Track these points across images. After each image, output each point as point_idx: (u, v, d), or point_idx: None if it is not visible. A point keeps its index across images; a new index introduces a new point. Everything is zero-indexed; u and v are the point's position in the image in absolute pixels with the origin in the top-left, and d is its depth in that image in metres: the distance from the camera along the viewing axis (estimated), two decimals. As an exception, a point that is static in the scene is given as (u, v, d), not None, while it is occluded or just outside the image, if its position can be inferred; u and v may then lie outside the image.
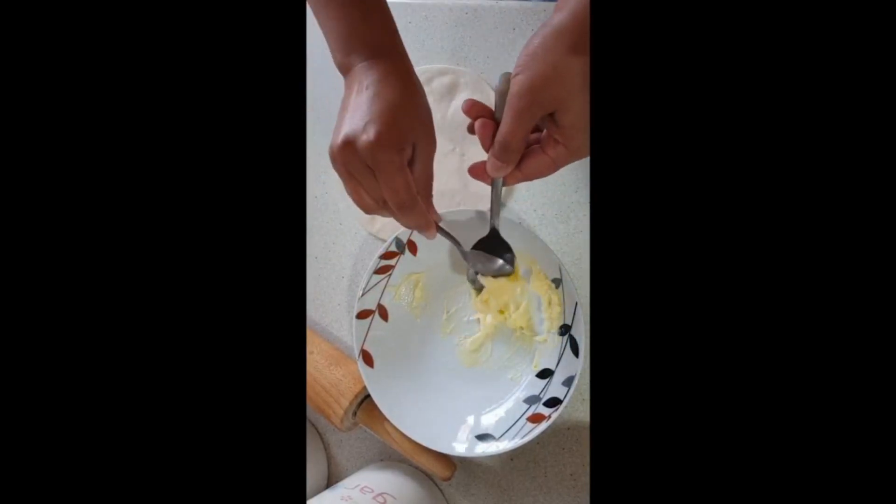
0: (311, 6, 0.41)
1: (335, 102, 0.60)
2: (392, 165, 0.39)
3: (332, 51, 0.40)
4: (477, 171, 0.45)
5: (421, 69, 0.62)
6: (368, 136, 0.37)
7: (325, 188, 0.65)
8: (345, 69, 0.41)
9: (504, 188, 0.52)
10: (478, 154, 0.60)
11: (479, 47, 0.61)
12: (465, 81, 0.61)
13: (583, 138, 0.41)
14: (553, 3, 0.59)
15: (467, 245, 0.52)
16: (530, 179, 0.44)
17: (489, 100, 0.60)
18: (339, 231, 0.64)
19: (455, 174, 0.61)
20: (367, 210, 0.42)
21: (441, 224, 0.47)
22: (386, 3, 0.41)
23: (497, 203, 0.48)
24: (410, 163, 0.41)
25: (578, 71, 0.38)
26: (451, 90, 0.61)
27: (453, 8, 0.62)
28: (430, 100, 0.60)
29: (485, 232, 0.53)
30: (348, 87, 0.40)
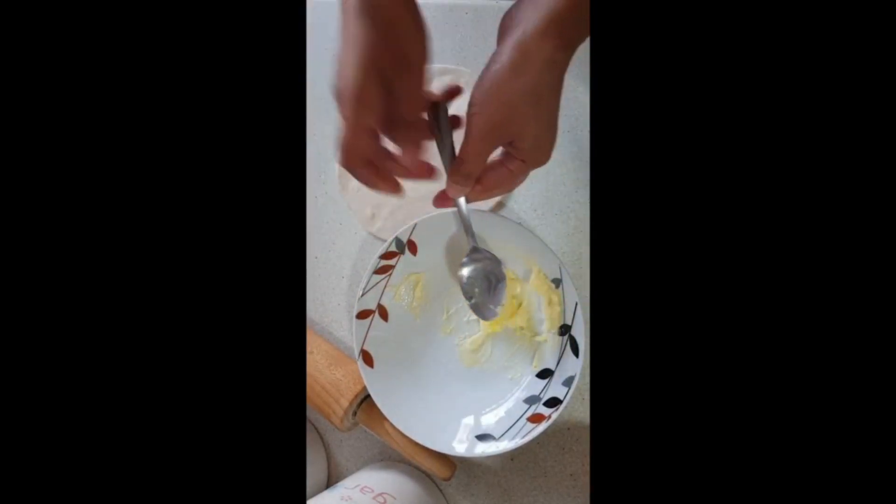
0: None
1: (335, 102, 0.60)
2: (351, 128, 0.39)
3: None
4: (440, 199, 0.47)
5: (421, 69, 0.62)
6: (343, 107, 0.38)
7: (325, 188, 0.65)
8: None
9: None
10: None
11: (479, 47, 0.61)
12: (466, 81, 0.61)
13: (539, 153, 0.42)
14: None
15: (458, 256, 0.52)
16: (492, 195, 0.45)
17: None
18: (339, 231, 0.64)
19: (455, 174, 0.61)
20: (371, 185, 0.42)
21: (462, 213, 0.47)
22: None
23: (468, 223, 0.49)
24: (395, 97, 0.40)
25: (528, 97, 0.38)
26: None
27: (453, 8, 0.62)
28: (430, 100, 0.61)
29: (483, 233, 0.53)
30: (341, 20, 0.39)
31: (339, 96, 0.38)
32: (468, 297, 0.52)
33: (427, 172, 0.44)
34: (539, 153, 0.42)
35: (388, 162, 0.42)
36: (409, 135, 0.43)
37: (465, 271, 0.52)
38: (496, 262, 0.51)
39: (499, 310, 0.52)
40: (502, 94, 0.39)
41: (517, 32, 0.38)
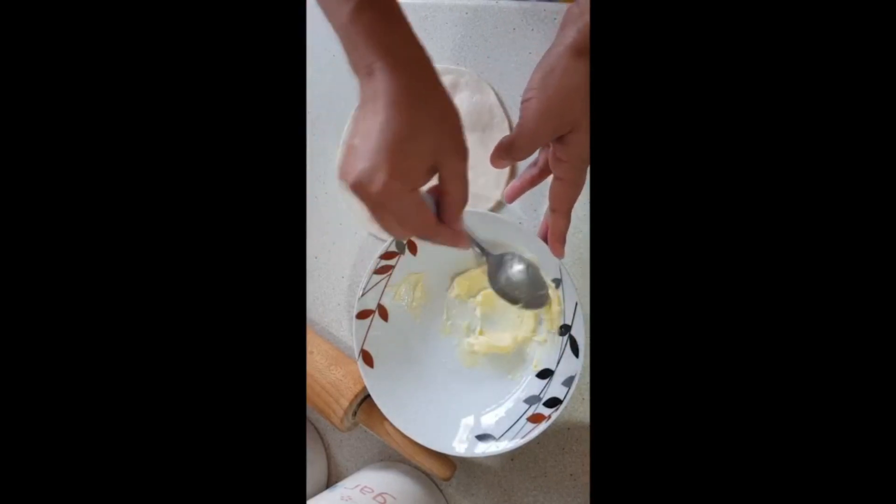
0: (326, 11, 0.36)
1: (335, 102, 0.60)
2: (404, 208, 0.35)
3: (348, 52, 0.36)
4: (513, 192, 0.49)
5: (421, 69, 0.62)
6: (376, 184, 0.33)
7: (325, 188, 0.65)
8: (361, 71, 0.36)
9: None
10: (479, 155, 0.60)
11: (479, 47, 0.61)
12: (465, 81, 0.61)
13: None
14: (554, 4, 0.59)
15: (458, 256, 0.52)
16: (564, 216, 0.45)
17: (489, 99, 0.60)
18: (339, 231, 0.64)
19: (455, 174, 0.61)
20: (398, 236, 0.39)
21: (470, 233, 0.45)
22: (404, 14, 0.36)
23: (476, 239, 0.47)
24: (441, 185, 0.38)
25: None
26: (451, 90, 0.61)
27: (453, 8, 0.62)
28: (430, 100, 0.61)
29: (483, 235, 0.53)
30: (363, 96, 0.35)
31: (382, 156, 0.33)
32: (516, 303, 0.51)
33: (466, 244, 0.42)
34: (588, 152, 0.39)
35: (439, 228, 0.39)
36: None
37: (498, 285, 0.50)
38: (511, 255, 0.50)
39: (547, 292, 0.51)
40: (564, 78, 0.38)
41: (584, 18, 0.37)
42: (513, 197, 0.51)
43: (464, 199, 0.38)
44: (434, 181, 0.38)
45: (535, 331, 0.55)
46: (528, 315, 0.55)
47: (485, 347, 0.56)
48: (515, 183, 0.50)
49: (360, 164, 0.33)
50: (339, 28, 0.36)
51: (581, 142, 0.41)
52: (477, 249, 0.47)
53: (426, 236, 0.38)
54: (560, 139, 0.41)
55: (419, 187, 0.36)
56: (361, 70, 0.35)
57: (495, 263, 0.50)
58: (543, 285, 0.51)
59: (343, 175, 0.35)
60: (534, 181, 0.49)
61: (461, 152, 0.37)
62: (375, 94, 0.34)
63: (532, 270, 0.51)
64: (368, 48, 0.34)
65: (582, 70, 0.38)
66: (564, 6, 0.59)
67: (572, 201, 0.45)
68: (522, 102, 0.41)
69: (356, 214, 0.64)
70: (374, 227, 0.63)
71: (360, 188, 0.34)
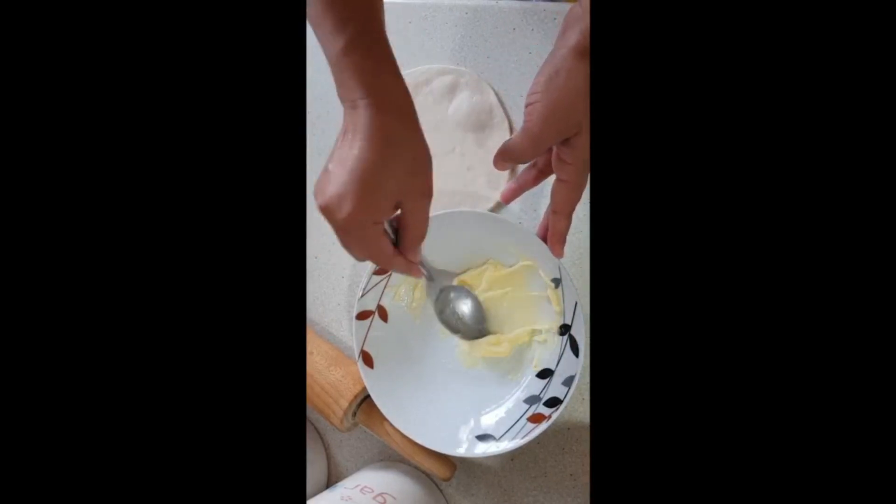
0: (320, 40, 0.38)
1: (335, 102, 0.60)
2: (366, 237, 0.38)
3: (336, 83, 0.38)
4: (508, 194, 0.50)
5: (421, 69, 0.62)
6: (342, 211, 0.36)
7: (324, 188, 0.65)
8: (346, 103, 0.38)
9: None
10: (479, 155, 0.60)
11: (479, 47, 0.61)
12: (465, 81, 0.61)
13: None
14: (554, 4, 0.59)
15: (457, 256, 0.54)
16: (565, 218, 0.46)
17: (489, 99, 0.60)
18: (339, 231, 0.64)
19: (455, 174, 0.61)
20: (357, 259, 0.41)
21: (423, 262, 0.47)
22: (392, 55, 0.39)
23: (428, 269, 0.49)
24: (402, 220, 0.40)
25: None
26: (451, 90, 0.61)
27: (453, 8, 0.62)
28: (430, 100, 0.61)
29: (483, 233, 0.53)
30: (345, 125, 0.38)
31: (350, 187, 0.36)
32: (456, 332, 0.54)
33: (418, 274, 0.46)
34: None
35: (395, 259, 0.41)
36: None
37: (441, 314, 0.54)
38: (459, 289, 0.54)
39: (485, 326, 0.55)
40: (569, 80, 0.38)
41: (586, 19, 0.38)
42: (510, 198, 0.51)
43: (421, 236, 0.41)
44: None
45: (533, 333, 0.55)
46: (529, 317, 0.55)
47: (483, 351, 0.56)
48: (513, 184, 0.50)
49: (331, 190, 0.36)
50: (330, 60, 0.38)
51: (585, 144, 0.41)
52: (428, 278, 0.50)
53: (381, 264, 0.42)
54: (564, 141, 0.42)
55: (381, 220, 0.39)
56: (347, 102, 0.38)
57: (444, 295, 0.53)
58: (483, 320, 0.55)
59: (315, 194, 0.37)
60: (532, 182, 0.50)
61: (426, 193, 0.40)
62: (356, 126, 0.36)
63: (475, 305, 0.54)
64: (354, 85, 0.36)
65: (586, 72, 0.38)
66: (565, 6, 0.59)
67: (574, 203, 0.45)
68: (527, 106, 0.41)
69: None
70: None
71: (327, 212, 0.37)
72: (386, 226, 0.40)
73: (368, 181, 0.36)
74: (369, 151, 0.36)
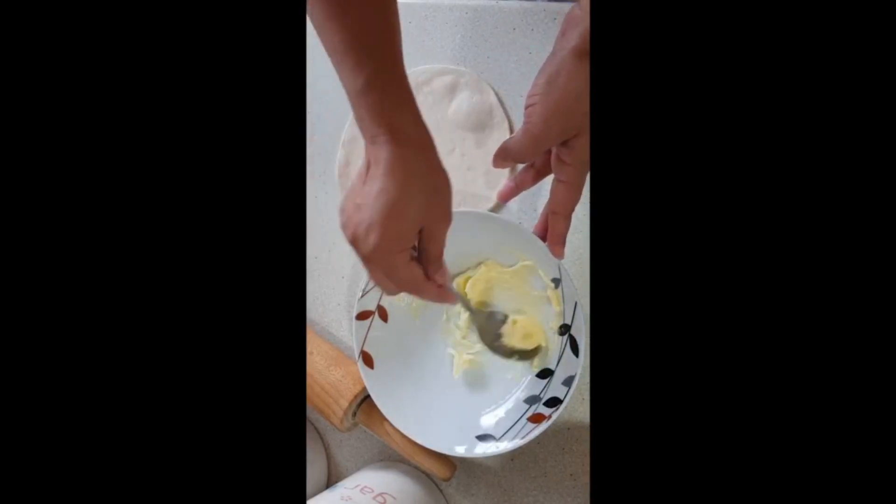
0: (340, 77, 0.40)
1: (335, 102, 0.60)
2: (393, 266, 0.39)
3: (356, 118, 0.40)
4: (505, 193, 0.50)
5: (421, 69, 0.62)
6: (369, 242, 0.38)
7: (325, 188, 0.65)
8: (367, 138, 0.40)
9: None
10: (479, 155, 0.60)
11: (479, 47, 0.61)
12: (465, 81, 0.61)
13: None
14: (554, 4, 0.59)
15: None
16: (564, 218, 0.46)
17: (489, 99, 0.60)
18: (339, 231, 0.64)
19: (455, 174, 0.60)
20: (388, 292, 0.42)
21: (455, 289, 0.49)
22: (410, 91, 0.40)
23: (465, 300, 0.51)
24: (421, 243, 0.41)
25: None
26: (451, 90, 0.61)
27: (453, 8, 0.62)
28: (430, 100, 0.61)
29: (482, 235, 0.53)
30: (367, 158, 0.39)
31: (375, 218, 0.37)
32: (510, 357, 0.54)
33: (452, 300, 0.46)
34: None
35: (425, 286, 0.43)
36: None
37: (489, 341, 0.53)
38: (498, 313, 0.54)
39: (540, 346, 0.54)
40: (569, 82, 0.39)
41: (586, 21, 0.38)
42: (507, 197, 0.51)
43: (439, 256, 0.42)
44: None
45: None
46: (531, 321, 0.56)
47: (473, 364, 0.57)
48: (510, 183, 0.50)
49: (356, 223, 0.38)
50: (349, 95, 0.39)
51: (585, 145, 0.41)
52: (465, 307, 0.51)
53: (413, 292, 0.43)
54: (564, 142, 0.42)
55: (407, 248, 0.40)
56: (367, 137, 0.39)
57: (485, 321, 0.53)
58: (501, 330, 0.55)
59: (343, 228, 0.40)
60: (531, 182, 0.50)
61: (446, 219, 0.41)
62: (377, 160, 0.38)
63: (495, 318, 0.54)
64: (373, 121, 0.38)
65: (586, 74, 0.38)
66: (565, 6, 0.59)
67: (573, 204, 0.45)
68: (527, 107, 0.41)
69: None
70: None
71: (355, 244, 0.39)
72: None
73: (392, 212, 0.37)
74: (391, 185, 0.37)
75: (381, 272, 0.40)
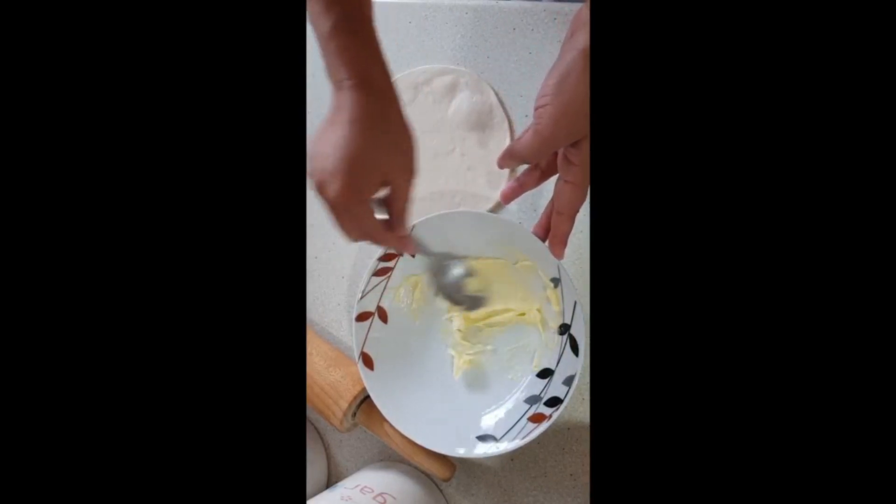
0: (311, 23, 0.40)
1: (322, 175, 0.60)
2: (356, 214, 0.40)
3: (324, 62, 0.40)
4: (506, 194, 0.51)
5: (421, 69, 0.62)
6: (333, 188, 0.38)
7: (324, 188, 0.65)
8: (333, 83, 0.41)
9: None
10: (478, 155, 0.60)
11: (479, 47, 0.61)
12: (465, 81, 0.61)
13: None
14: (554, 4, 0.59)
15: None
16: (569, 220, 0.46)
17: (489, 99, 0.60)
18: (339, 231, 0.64)
19: (455, 174, 0.61)
20: (351, 239, 0.43)
21: (417, 241, 0.50)
22: (377, 39, 0.41)
23: (422, 244, 0.51)
24: (387, 197, 0.42)
25: None
26: (451, 90, 0.61)
27: (453, 8, 0.62)
28: (430, 100, 0.61)
29: (482, 235, 0.53)
30: (333, 104, 0.40)
31: (338, 166, 0.38)
32: (458, 304, 0.55)
33: (412, 249, 0.48)
34: None
35: (385, 234, 0.44)
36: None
37: (439, 286, 0.54)
38: (453, 259, 0.54)
39: (487, 296, 0.55)
40: (580, 84, 0.39)
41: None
42: (510, 197, 0.51)
43: (403, 210, 0.44)
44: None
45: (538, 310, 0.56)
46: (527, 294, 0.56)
47: (485, 318, 0.57)
48: (514, 184, 0.50)
49: (321, 168, 0.39)
50: (318, 39, 0.40)
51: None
52: (424, 252, 0.51)
53: (374, 240, 0.44)
54: (573, 143, 0.42)
55: (370, 195, 0.41)
56: (333, 83, 0.40)
57: (437, 265, 0.53)
58: (482, 292, 0.56)
59: (309, 175, 0.39)
60: (534, 183, 0.50)
61: (410, 170, 0.42)
62: (341, 107, 0.39)
63: (471, 273, 0.55)
64: (340, 65, 0.39)
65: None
66: (565, 6, 0.59)
67: (579, 205, 0.45)
68: (536, 108, 0.41)
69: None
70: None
71: (320, 190, 0.39)
72: (377, 206, 0.43)
73: (353, 161, 0.38)
74: (355, 132, 0.38)
75: (346, 219, 0.40)
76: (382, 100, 0.40)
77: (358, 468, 0.61)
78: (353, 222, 0.41)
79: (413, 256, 0.54)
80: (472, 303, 0.55)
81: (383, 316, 0.56)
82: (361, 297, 0.55)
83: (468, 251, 0.55)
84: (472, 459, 0.59)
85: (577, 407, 0.57)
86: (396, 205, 0.43)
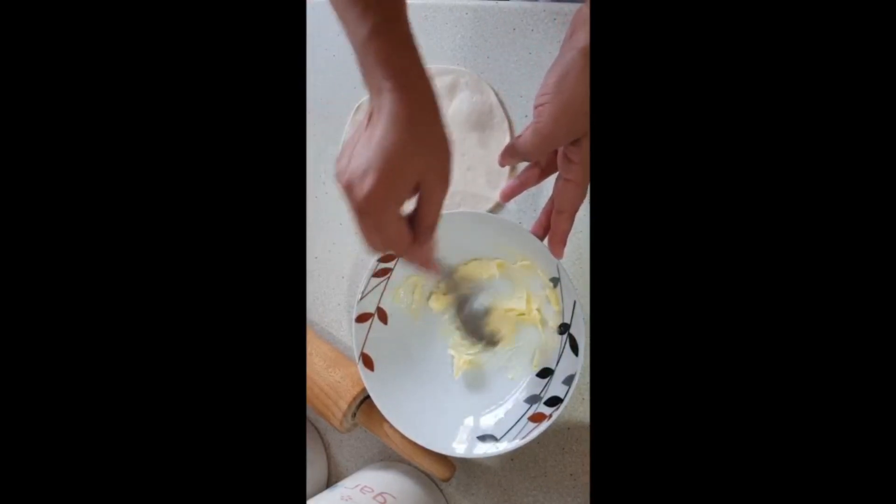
0: (346, 30, 0.39)
1: (335, 102, 0.60)
2: (385, 217, 0.38)
3: (361, 69, 0.39)
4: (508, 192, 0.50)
5: (420, 69, 0.62)
6: (364, 187, 0.36)
7: (325, 188, 0.65)
8: (372, 89, 0.39)
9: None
10: (478, 155, 0.60)
11: (479, 47, 0.61)
12: (465, 81, 0.61)
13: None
14: (554, 4, 0.59)
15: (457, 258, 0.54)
16: (568, 218, 0.46)
17: (489, 99, 0.60)
18: (340, 231, 0.64)
19: (455, 174, 0.61)
20: (374, 248, 0.40)
21: (440, 262, 0.47)
22: (415, 42, 0.39)
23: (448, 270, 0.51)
24: (416, 205, 0.40)
25: None
26: (451, 90, 0.61)
27: (453, 8, 0.62)
28: (430, 100, 0.61)
29: (482, 235, 0.53)
30: (370, 108, 0.38)
31: (373, 163, 0.36)
32: (480, 340, 0.55)
33: (436, 271, 0.45)
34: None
35: (411, 248, 0.41)
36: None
37: (462, 318, 0.54)
38: (476, 291, 0.55)
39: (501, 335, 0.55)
40: (580, 82, 0.39)
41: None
42: (510, 196, 0.51)
43: (434, 223, 0.41)
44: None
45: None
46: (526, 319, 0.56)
47: (473, 364, 0.57)
48: (514, 182, 0.50)
49: (353, 167, 0.36)
50: (355, 46, 0.38)
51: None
52: (445, 280, 0.51)
53: (399, 252, 0.41)
54: (573, 141, 0.42)
55: (401, 202, 0.38)
56: (372, 88, 0.38)
57: (462, 298, 0.54)
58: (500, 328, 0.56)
59: (337, 174, 0.38)
60: (534, 181, 0.50)
61: (445, 181, 0.40)
62: (380, 109, 0.37)
63: (476, 304, 0.55)
64: (379, 70, 0.37)
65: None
66: (565, 6, 0.59)
67: (579, 203, 0.45)
68: (536, 107, 0.41)
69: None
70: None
71: (349, 189, 0.37)
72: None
73: (391, 160, 0.36)
74: (393, 132, 0.36)
75: (371, 225, 0.38)
76: (424, 103, 0.39)
77: (358, 468, 0.61)
78: (380, 229, 0.38)
79: (435, 276, 0.51)
80: (489, 340, 0.55)
81: (383, 317, 0.56)
82: (361, 299, 0.55)
83: (468, 251, 0.56)
84: (472, 459, 0.59)
85: (577, 407, 0.57)
86: (427, 216, 0.40)
